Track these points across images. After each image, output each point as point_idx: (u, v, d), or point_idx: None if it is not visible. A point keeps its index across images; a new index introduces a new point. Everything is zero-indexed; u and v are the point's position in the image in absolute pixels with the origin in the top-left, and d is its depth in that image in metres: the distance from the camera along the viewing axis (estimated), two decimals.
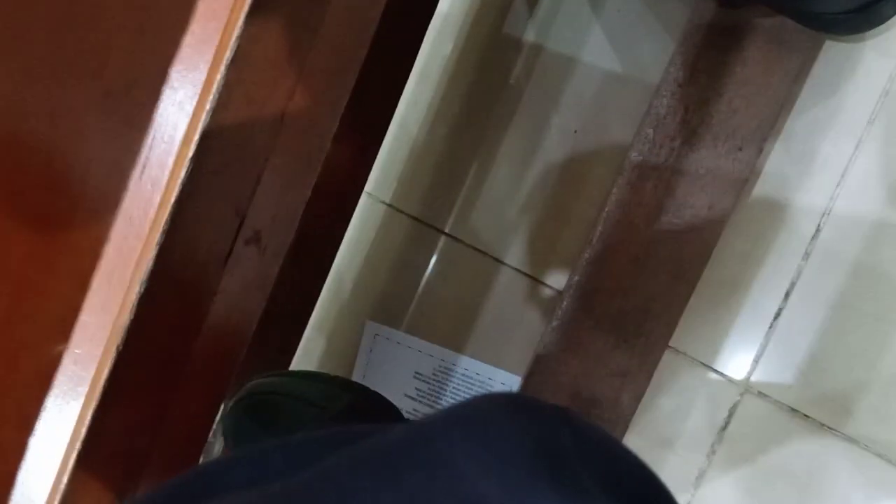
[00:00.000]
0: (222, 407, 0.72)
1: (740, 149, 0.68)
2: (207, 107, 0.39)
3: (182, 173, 0.40)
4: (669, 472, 0.75)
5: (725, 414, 0.73)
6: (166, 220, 0.41)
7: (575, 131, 0.82)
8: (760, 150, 0.69)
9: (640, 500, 0.34)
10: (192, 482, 0.37)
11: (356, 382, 0.80)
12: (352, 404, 0.69)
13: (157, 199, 0.41)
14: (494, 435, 0.32)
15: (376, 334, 0.91)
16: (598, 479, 0.32)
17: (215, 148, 0.41)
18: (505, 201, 0.85)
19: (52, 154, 0.42)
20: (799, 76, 0.69)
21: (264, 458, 0.38)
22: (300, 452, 0.37)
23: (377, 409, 0.71)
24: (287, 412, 0.67)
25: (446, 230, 0.89)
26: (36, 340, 0.43)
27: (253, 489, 0.34)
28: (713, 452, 0.74)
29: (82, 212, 0.42)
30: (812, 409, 0.70)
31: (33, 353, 0.43)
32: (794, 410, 0.70)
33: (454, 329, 0.88)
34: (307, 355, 0.96)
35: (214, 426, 0.73)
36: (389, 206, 0.92)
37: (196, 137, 0.40)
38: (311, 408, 0.67)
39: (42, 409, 0.43)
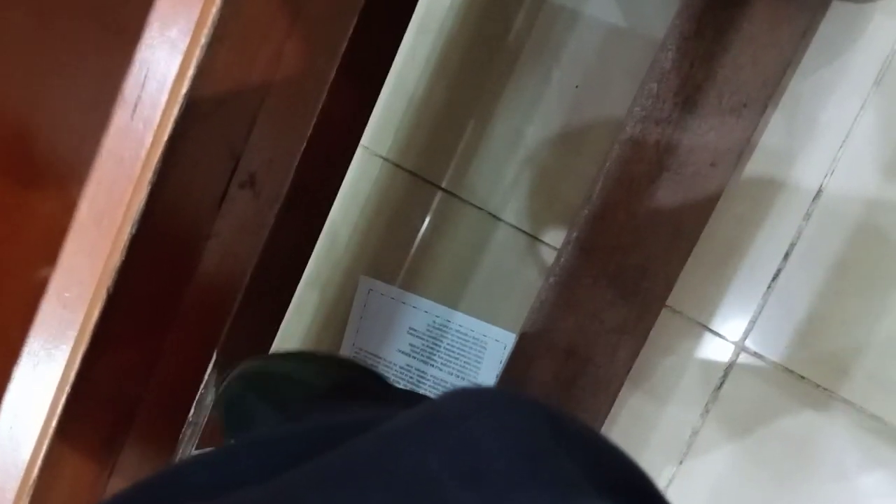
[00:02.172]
0: (214, 390, 0.71)
1: (745, 106, 0.67)
2: (201, 43, 0.38)
3: (175, 113, 0.39)
4: (663, 430, 0.75)
5: (720, 374, 0.73)
6: (158, 160, 0.40)
7: (576, 86, 0.80)
8: (765, 109, 0.68)
9: (625, 489, 0.33)
10: (155, 486, 0.36)
11: (346, 358, 0.79)
12: (342, 381, 0.68)
13: (149, 139, 0.40)
14: (470, 438, 0.30)
15: (370, 289, 0.91)
16: (583, 471, 0.32)
17: (209, 87, 0.40)
18: (504, 157, 0.84)
19: (20, 88, 0.40)
20: (806, 34, 0.68)
21: (232, 460, 0.36)
22: (270, 454, 0.36)
23: (367, 383, 0.71)
24: (278, 392, 0.67)
25: (443, 185, 0.88)
26: (19, 264, 0.42)
27: (216, 495, 0.33)
28: (707, 412, 0.73)
29: (60, 147, 0.41)
30: (808, 370, 0.70)
31: (16, 276, 0.43)
32: (789, 371, 0.70)
33: (449, 285, 0.87)
34: (300, 310, 0.95)
35: (206, 376, 0.73)
36: (386, 160, 0.91)
37: (189, 75, 0.39)
38: (301, 386, 0.67)
39: (27, 347, 0.43)
